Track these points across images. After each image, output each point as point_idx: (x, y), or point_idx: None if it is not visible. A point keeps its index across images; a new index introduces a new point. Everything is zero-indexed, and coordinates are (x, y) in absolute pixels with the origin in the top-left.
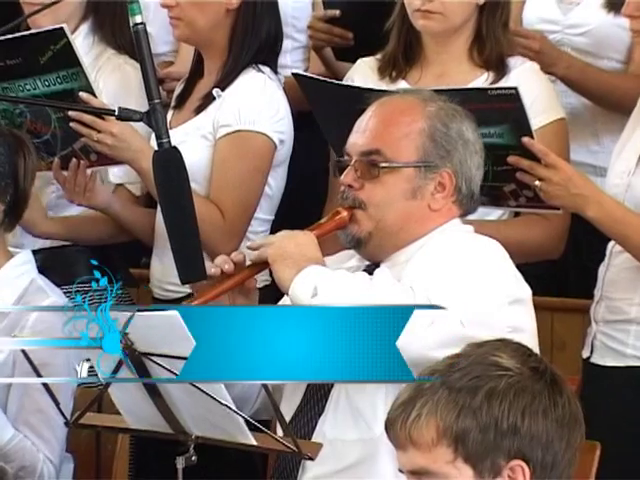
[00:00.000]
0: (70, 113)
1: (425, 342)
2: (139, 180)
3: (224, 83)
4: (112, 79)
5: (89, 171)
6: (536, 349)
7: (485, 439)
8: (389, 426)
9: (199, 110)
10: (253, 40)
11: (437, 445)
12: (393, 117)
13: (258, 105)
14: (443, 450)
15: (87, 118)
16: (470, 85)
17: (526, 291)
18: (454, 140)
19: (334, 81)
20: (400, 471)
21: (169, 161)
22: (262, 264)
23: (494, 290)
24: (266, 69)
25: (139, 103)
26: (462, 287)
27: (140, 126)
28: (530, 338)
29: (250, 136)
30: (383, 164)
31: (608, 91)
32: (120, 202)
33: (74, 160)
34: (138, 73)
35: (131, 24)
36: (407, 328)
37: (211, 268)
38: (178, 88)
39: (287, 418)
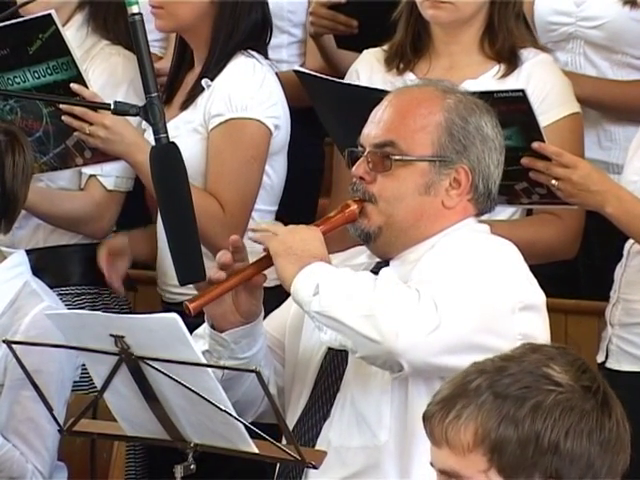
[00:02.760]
0: (61, 106)
1: (429, 348)
2: (113, 174)
3: (212, 73)
4: (100, 70)
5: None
6: None
7: (523, 453)
8: (426, 419)
9: (188, 103)
10: (238, 30)
11: (472, 451)
12: (410, 108)
13: (249, 90)
14: (478, 458)
15: (78, 110)
16: (480, 78)
17: (539, 297)
18: (472, 135)
19: (336, 79)
20: (431, 464)
21: (167, 157)
22: (266, 261)
23: (504, 295)
24: (256, 54)
25: (129, 95)
26: (471, 292)
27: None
28: None
29: (243, 123)
30: (396, 157)
31: (626, 102)
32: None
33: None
34: (130, 64)
35: (128, 14)
36: (411, 332)
37: (215, 274)
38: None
39: (292, 422)
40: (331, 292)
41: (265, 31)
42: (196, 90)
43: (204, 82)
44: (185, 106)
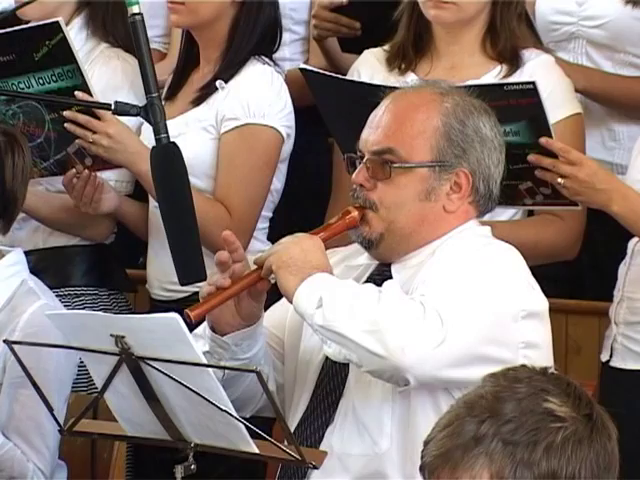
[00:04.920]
0: (65, 113)
1: (435, 362)
2: (113, 178)
3: (226, 75)
4: (100, 73)
5: (98, 180)
6: (550, 363)
7: None
8: (428, 472)
9: (199, 101)
10: (254, 32)
11: None
12: (407, 114)
13: (267, 98)
14: None
15: (82, 118)
16: (482, 78)
17: (542, 303)
18: (470, 138)
19: (342, 77)
20: None
21: (168, 158)
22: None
23: (507, 305)
24: (269, 60)
25: (129, 98)
26: (475, 303)
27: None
28: (545, 354)
29: (259, 130)
30: (395, 164)
31: (632, 98)
32: (126, 206)
33: (85, 171)
34: (130, 66)
35: (128, 15)
36: (417, 347)
37: (219, 279)
38: (168, 78)
39: (292, 423)
40: (335, 306)
41: (276, 34)
42: (208, 89)
43: (218, 84)
44: (196, 104)
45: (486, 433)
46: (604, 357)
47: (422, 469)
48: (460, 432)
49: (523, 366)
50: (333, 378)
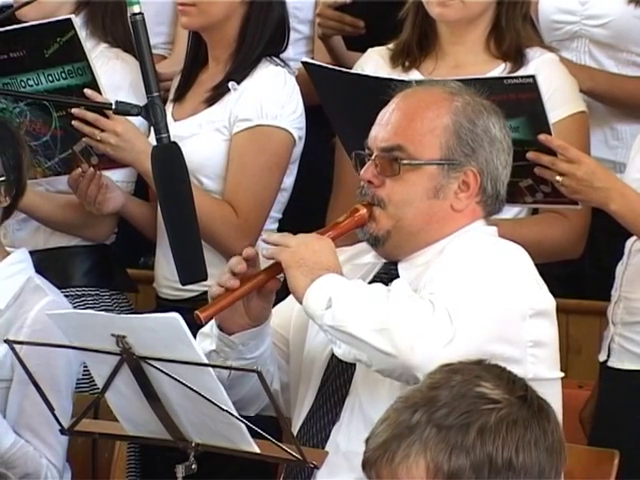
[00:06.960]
0: (73, 111)
1: (445, 360)
2: (113, 178)
3: (238, 75)
4: (100, 73)
5: (102, 181)
6: (557, 362)
7: (479, 477)
8: (369, 466)
9: (211, 101)
10: (264, 31)
11: None
12: (417, 111)
13: (280, 100)
14: None
15: (90, 116)
16: (486, 76)
17: (549, 301)
18: (480, 137)
19: (348, 70)
20: None
21: (169, 157)
22: (277, 269)
23: (516, 303)
24: (280, 62)
25: (129, 98)
26: (484, 301)
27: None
28: (552, 352)
29: (271, 131)
30: (405, 161)
31: (638, 98)
32: (132, 205)
33: (90, 169)
34: (129, 66)
35: (129, 14)
36: (426, 346)
37: (229, 280)
38: (176, 80)
39: (298, 422)
40: (344, 306)
41: (284, 33)
42: (220, 89)
43: (231, 85)
44: (208, 104)
45: (419, 420)
46: (602, 357)
47: (364, 465)
48: (395, 423)
49: (460, 362)
50: (339, 376)
